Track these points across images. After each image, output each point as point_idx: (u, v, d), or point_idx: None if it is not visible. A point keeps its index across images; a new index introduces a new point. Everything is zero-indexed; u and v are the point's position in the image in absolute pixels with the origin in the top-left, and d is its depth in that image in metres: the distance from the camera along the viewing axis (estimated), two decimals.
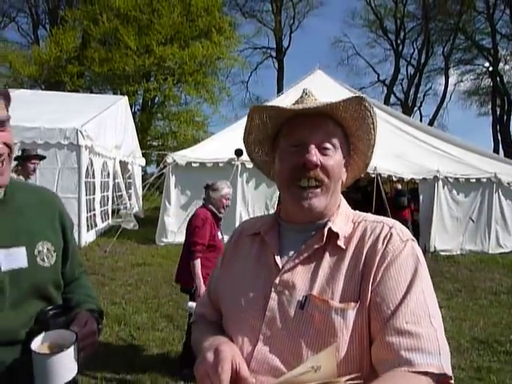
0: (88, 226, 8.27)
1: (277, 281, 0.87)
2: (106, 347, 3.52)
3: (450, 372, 0.73)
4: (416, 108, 32.03)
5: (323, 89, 11.95)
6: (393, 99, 32.17)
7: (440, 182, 9.25)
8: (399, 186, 9.37)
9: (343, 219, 0.92)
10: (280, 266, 0.88)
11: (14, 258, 1.05)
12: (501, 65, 26.73)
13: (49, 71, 20.69)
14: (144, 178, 14.19)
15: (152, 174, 17.77)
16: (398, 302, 0.77)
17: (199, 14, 21.27)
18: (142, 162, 14.49)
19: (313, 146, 0.86)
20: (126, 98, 12.61)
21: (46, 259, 1.12)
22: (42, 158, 4.50)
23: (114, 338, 3.77)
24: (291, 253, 0.90)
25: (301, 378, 0.70)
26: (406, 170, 9.32)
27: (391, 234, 0.85)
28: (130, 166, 12.16)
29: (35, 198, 1.19)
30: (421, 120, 32.03)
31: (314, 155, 0.85)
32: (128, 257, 7.31)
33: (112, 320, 4.17)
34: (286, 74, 33.55)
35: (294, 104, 0.94)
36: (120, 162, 10.73)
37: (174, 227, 8.77)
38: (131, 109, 14.27)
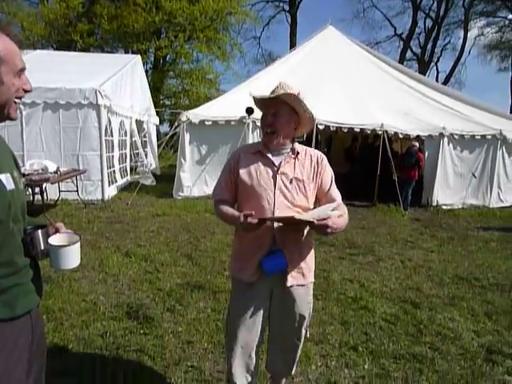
0: (109, 181, 8.88)
1: (279, 172, 1.88)
2: (135, 278, 4.20)
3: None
4: (433, 63, 31.19)
5: (334, 46, 12.00)
6: (409, 54, 31.32)
7: (445, 139, 9.47)
8: (417, 144, 9.44)
9: (297, 147, 1.97)
10: (277, 166, 1.89)
11: (9, 182, 1.22)
12: None
13: (59, 30, 20.61)
14: (158, 137, 14.64)
15: (165, 132, 18.19)
16: (330, 184, 1.96)
17: None
18: (157, 120, 14.86)
19: (269, 115, 1.88)
20: (139, 56, 12.82)
21: (20, 183, 1.31)
22: None
23: (142, 272, 4.42)
24: (279, 160, 1.90)
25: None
26: (413, 127, 9.51)
27: (322, 157, 1.99)
28: (145, 125, 12.61)
29: None
30: (437, 76, 31.30)
31: (270, 119, 1.87)
32: (148, 208, 7.94)
33: (139, 258, 4.83)
34: (299, 29, 32.74)
35: (272, 92, 1.89)
36: (136, 120, 11.19)
37: (189, 182, 9.35)
38: (143, 67, 14.41)
